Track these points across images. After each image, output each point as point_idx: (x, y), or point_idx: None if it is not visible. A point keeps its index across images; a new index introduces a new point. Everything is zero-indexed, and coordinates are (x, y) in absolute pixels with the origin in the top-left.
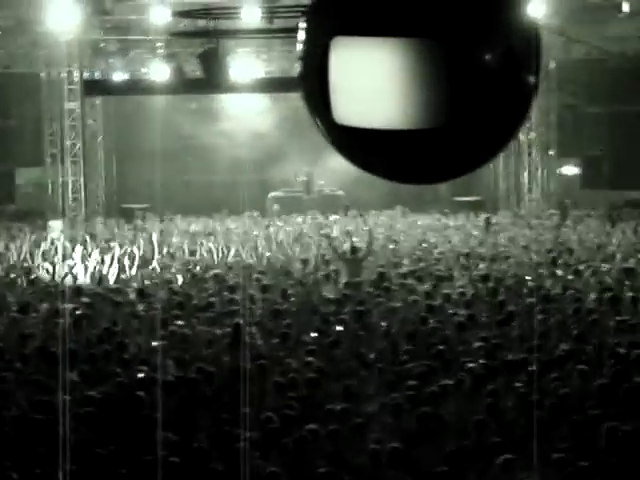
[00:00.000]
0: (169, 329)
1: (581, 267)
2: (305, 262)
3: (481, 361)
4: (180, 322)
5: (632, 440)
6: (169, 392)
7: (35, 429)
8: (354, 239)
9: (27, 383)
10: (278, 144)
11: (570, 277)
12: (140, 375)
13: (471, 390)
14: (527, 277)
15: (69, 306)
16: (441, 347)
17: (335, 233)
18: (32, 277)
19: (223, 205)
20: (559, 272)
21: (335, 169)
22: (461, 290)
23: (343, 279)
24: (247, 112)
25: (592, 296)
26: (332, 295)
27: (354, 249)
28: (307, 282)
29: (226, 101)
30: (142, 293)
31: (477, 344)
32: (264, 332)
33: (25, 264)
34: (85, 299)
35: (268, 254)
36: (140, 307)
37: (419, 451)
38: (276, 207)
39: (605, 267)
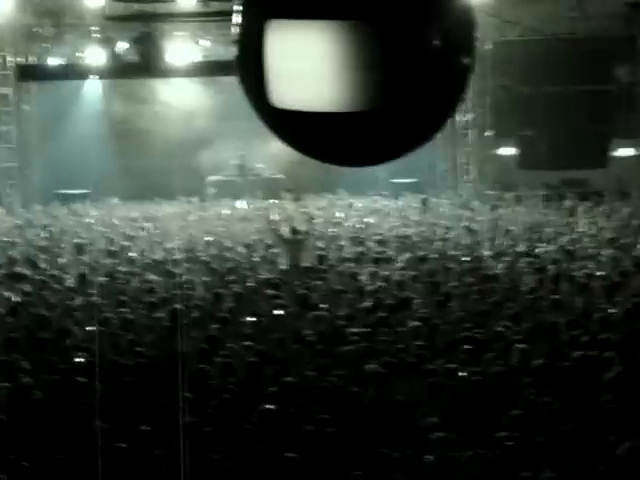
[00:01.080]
0: (108, 315)
1: (518, 247)
2: (246, 246)
3: (418, 342)
4: (121, 308)
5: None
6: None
7: None
8: (294, 222)
9: None
10: (214, 128)
11: (507, 258)
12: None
13: (409, 371)
14: (465, 258)
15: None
16: (381, 328)
17: (275, 216)
18: None
19: (160, 189)
20: (495, 252)
21: (275, 152)
22: (399, 272)
23: (283, 262)
24: (182, 96)
25: (529, 276)
26: (272, 278)
27: (294, 232)
28: (247, 266)
29: (162, 85)
30: (83, 279)
31: (415, 324)
32: (204, 316)
33: None
34: (25, 286)
35: (208, 238)
36: (79, 294)
37: (355, 433)
38: (213, 191)
39: (542, 247)
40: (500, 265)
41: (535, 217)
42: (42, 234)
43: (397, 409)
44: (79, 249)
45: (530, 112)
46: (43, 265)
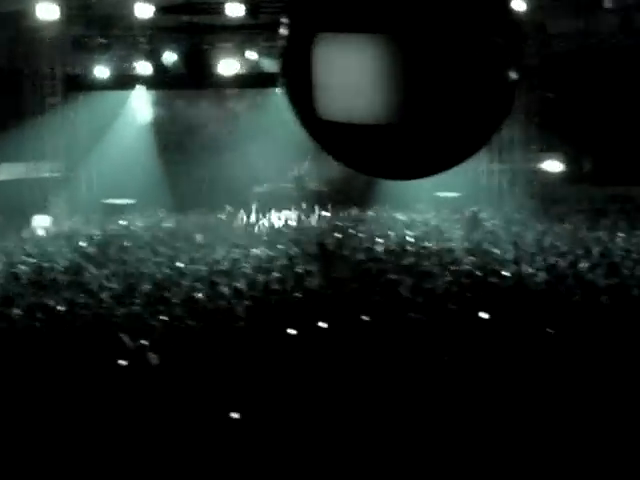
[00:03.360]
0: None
1: (562, 263)
2: (289, 258)
3: None
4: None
5: None
6: None
7: None
8: (333, 235)
9: None
10: (256, 139)
11: (549, 273)
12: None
13: None
14: (506, 273)
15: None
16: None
17: (313, 229)
18: None
19: (206, 200)
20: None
21: (318, 165)
22: (444, 286)
23: (318, 276)
24: (228, 107)
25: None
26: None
27: (324, 246)
28: (288, 277)
29: (207, 96)
30: (127, 288)
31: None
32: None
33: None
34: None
35: (253, 250)
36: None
37: None
38: (257, 202)
39: (586, 263)
40: (542, 280)
41: (580, 233)
42: (87, 243)
43: None
44: (124, 258)
45: (576, 127)
46: (87, 274)
